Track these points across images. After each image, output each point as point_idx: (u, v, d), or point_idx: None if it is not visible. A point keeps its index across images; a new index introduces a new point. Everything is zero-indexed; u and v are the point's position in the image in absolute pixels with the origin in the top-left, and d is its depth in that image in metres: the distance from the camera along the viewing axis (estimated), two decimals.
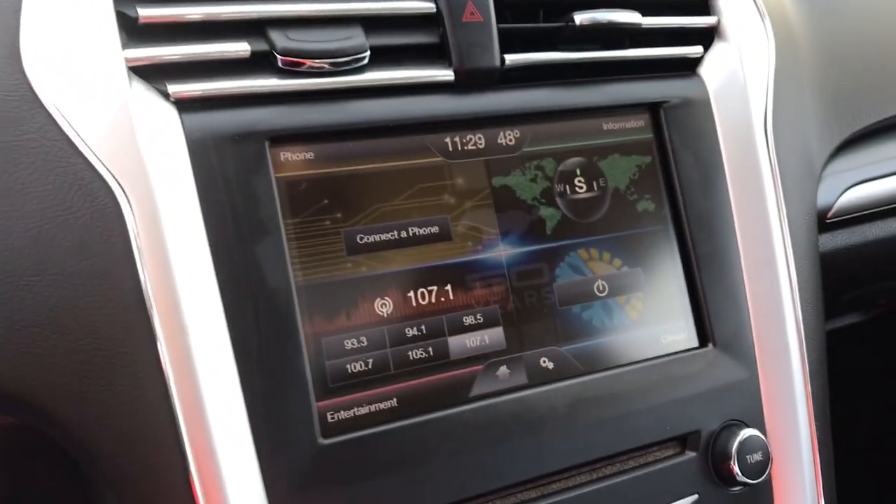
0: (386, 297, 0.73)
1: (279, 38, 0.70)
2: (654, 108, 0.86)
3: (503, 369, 0.76)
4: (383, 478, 0.69)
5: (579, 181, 0.83)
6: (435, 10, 0.76)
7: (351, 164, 0.73)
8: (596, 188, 0.83)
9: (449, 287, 0.76)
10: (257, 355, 0.66)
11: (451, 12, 0.76)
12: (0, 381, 0.62)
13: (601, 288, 0.82)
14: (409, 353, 0.73)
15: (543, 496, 0.75)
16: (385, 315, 0.73)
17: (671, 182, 0.86)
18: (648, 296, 0.83)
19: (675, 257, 0.85)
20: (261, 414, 0.66)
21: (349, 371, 0.70)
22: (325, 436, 0.68)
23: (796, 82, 0.97)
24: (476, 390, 0.75)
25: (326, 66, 0.71)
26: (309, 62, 0.70)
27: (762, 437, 0.81)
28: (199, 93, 0.67)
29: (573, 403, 0.76)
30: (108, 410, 0.63)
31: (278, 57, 0.70)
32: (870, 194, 1.03)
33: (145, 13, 0.65)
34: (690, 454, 0.81)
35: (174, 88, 0.66)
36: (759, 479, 0.81)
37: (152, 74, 0.66)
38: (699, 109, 0.88)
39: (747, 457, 0.80)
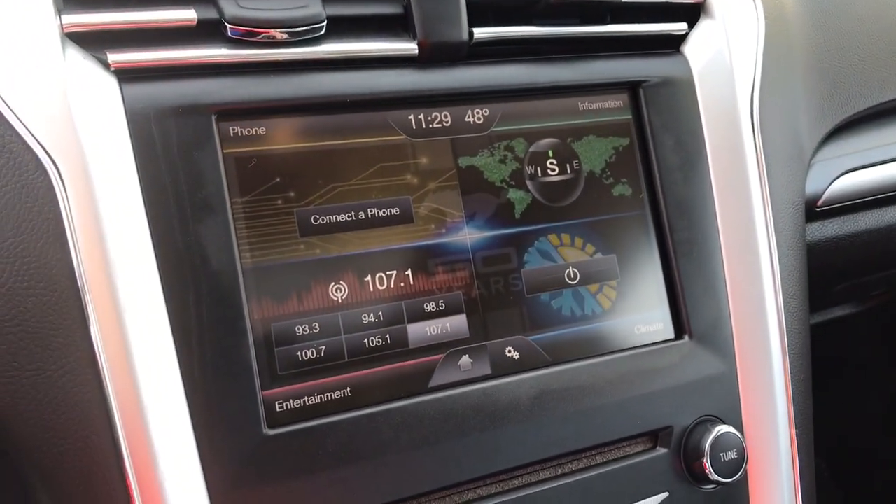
0: (341, 282, 0.69)
1: (228, 6, 0.66)
2: (633, 88, 0.82)
3: (465, 359, 0.73)
4: (332, 471, 0.65)
5: (552, 163, 0.79)
6: None
7: (306, 140, 0.69)
8: (569, 171, 0.79)
9: (409, 272, 0.72)
10: (198, 340, 0.63)
11: None
12: None
13: (572, 275, 0.78)
14: (365, 340, 0.69)
15: (503, 492, 0.72)
16: (340, 300, 0.69)
17: (650, 166, 0.82)
18: (622, 284, 0.80)
19: (651, 244, 0.81)
20: (201, 402, 0.62)
21: (300, 358, 0.67)
22: (270, 426, 0.64)
23: (787, 63, 0.93)
24: (435, 381, 0.71)
25: (279, 36, 0.67)
26: (261, 31, 0.66)
27: (738, 434, 0.78)
28: (141, 62, 0.63)
29: (538, 396, 0.73)
30: (36, 398, 0.60)
31: (228, 26, 0.66)
32: (863, 182, 0.99)
33: None
34: (662, 450, 0.78)
35: (114, 57, 0.63)
36: (734, 478, 0.77)
37: (90, 41, 0.63)
38: (681, 90, 0.83)
39: (721, 454, 0.77)
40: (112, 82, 0.63)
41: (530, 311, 0.76)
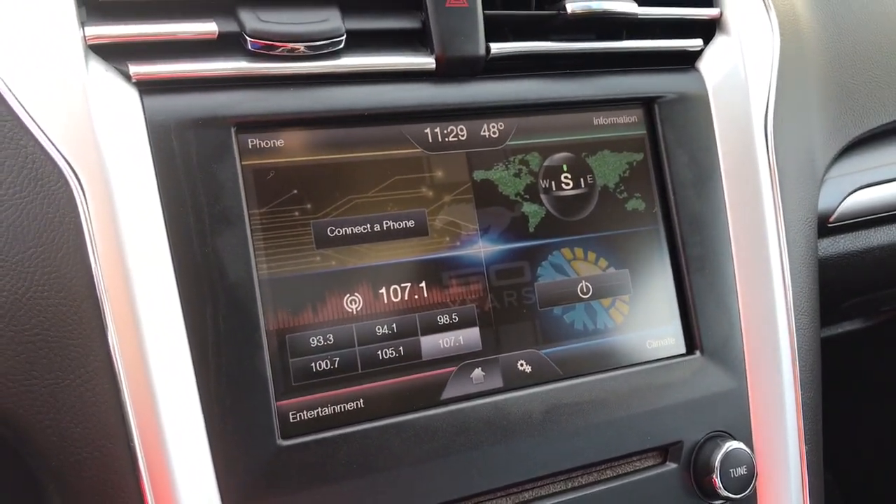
0: (356, 293, 0.70)
1: (249, 19, 0.66)
2: (648, 103, 0.82)
3: (478, 372, 0.73)
4: (345, 482, 0.66)
5: (566, 177, 0.79)
6: None
7: (323, 153, 0.70)
8: (583, 185, 0.80)
9: (423, 284, 0.72)
10: (214, 350, 0.63)
11: None
12: None
13: (585, 289, 0.78)
14: (379, 352, 0.70)
15: None
16: (354, 312, 0.70)
17: (663, 181, 0.82)
18: (635, 299, 0.80)
19: (664, 259, 0.82)
20: (216, 412, 0.63)
21: (314, 370, 0.68)
22: (284, 436, 0.65)
23: (801, 80, 0.93)
24: (448, 393, 0.72)
25: (299, 50, 0.68)
26: (281, 45, 0.67)
27: (747, 450, 0.78)
28: (162, 74, 0.64)
29: (550, 409, 0.73)
30: (54, 405, 0.60)
31: (248, 39, 0.66)
32: (875, 199, 0.99)
33: None
34: (671, 465, 0.78)
35: (136, 69, 0.63)
36: (743, 494, 0.77)
37: (113, 54, 0.63)
38: (696, 106, 0.84)
39: (731, 470, 0.77)
40: (133, 94, 0.63)
41: (543, 324, 0.76)
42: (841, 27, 1.01)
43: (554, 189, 0.78)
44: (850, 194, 0.96)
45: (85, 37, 0.62)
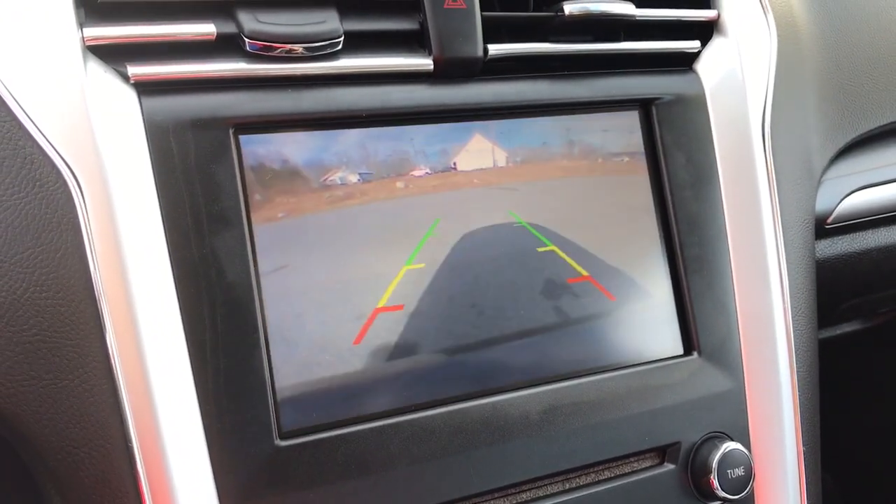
0: None
1: (247, 20, 0.67)
2: (645, 105, 0.82)
3: None
4: (342, 483, 0.66)
5: None
6: None
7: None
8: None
9: None
10: (213, 351, 0.63)
11: None
12: None
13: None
14: None
15: None
16: None
17: (661, 182, 0.82)
18: (632, 299, 0.80)
19: (662, 260, 0.82)
20: (214, 412, 0.63)
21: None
22: (282, 437, 0.65)
23: (798, 81, 0.93)
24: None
25: (297, 51, 0.68)
26: (279, 46, 0.67)
27: (745, 451, 0.78)
28: (161, 75, 0.64)
29: (547, 410, 0.73)
30: (52, 405, 0.61)
31: (246, 40, 0.66)
32: (873, 200, 0.99)
33: None
34: (669, 466, 0.78)
35: (134, 70, 0.63)
36: (741, 495, 0.77)
37: (111, 55, 0.63)
38: (693, 107, 0.84)
39: (728, 471, 0.77)
40: (131, 95, 0.63)
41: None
42: (838, 29, 1.01)
43: None
44: (847, 196, 0.96)
45: (83, 38, 0.62)
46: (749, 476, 0.78)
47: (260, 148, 0.67)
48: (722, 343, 0.82)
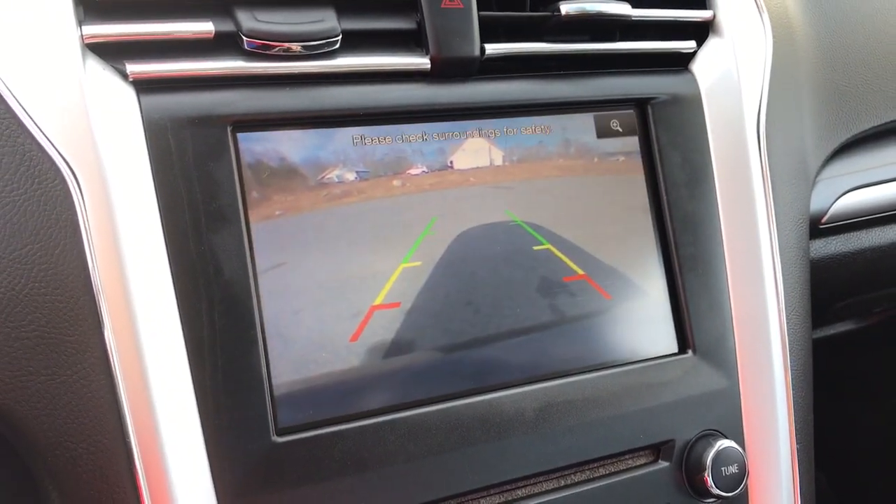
0: None
1: (246, 19, 0.67)
2: (641, 105, 0.83)
3: None
4: (339, 479, 0.66)
5: None
6: None
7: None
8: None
9: None
10: (210, 348, 0.64)
11: None
12: None
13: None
14: None
15: (508, 502, 0.73)
16: None
17: (656, 182, 0.83)
18: (628, 298, 0.81)
19: (657, 259, 0.82)
20: (212, 408, 0.63)
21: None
22: (279, 434, 0.65)
23: (793, 82, 0.94)
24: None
25: (295, 49, 0.68)
26: (277, 45, 0.68)
27: (739, 448, 0.78)
28: (159, 73, 0.64)
29: (543, 408, 0.74)
30: (50, 401, 0.61)
31: (244, 38, 0.67)
32: (867, 200, 1.00)
33: None
34: (663, 464, 0.78)
35: (133, 68, 0.64)
36: (734, 493, 0.78)
37: (110, 52, 0.64)
38: (689, 107, 0.84)
39: (722, 469, 0.77)
40: (130, 92, 0.64)
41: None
42: (833, 30, 1.02)
43: None
44: (841, 196, 0.97)
45: (82, 36, 0.62)
46: (743, 473, 0.78)
47: (258, 146, 0.68)
48: (716, 341, 0.82)
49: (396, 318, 0.71)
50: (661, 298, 0.82)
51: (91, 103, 0.62)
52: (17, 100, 0.61)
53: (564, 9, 0.78)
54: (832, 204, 0.97)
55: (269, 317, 0.66)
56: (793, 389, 0.83)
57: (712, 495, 0.78)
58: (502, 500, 0.73)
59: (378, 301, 0.70)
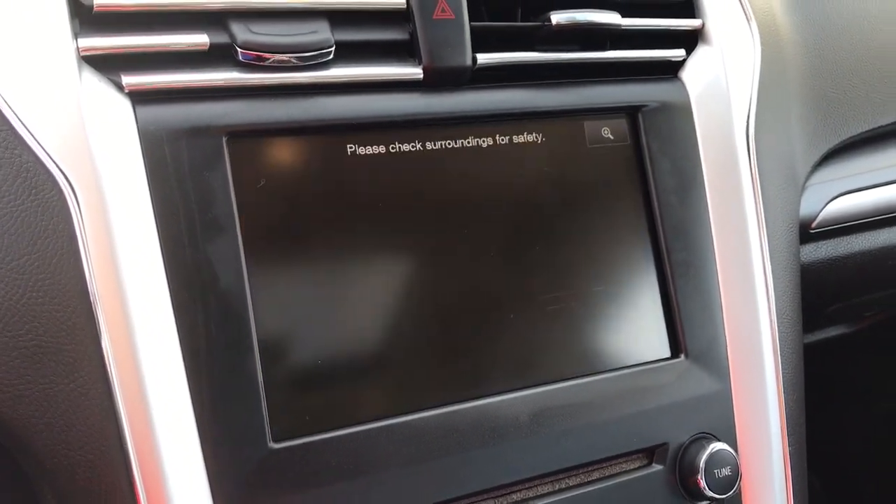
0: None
1: (240, 31, 0.68)
2: (631, 112, 0.84)
3: None
4: (336, 484, 0.67)
5: None
6: (405, 5, 0.74)
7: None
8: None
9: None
10: (206, 355, 0.64)
11: (421, 8, 0.74)
12: None
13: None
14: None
15: None
16: None
17: (647, 188, 0.84)
18: (620, 303, 0.81)
19: (649, 265, 0.83)
20: (208, 416, 0.64)
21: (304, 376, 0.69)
22: (275, 440, 0.66)
23: (782, 89, 0.95)
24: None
25: (289, 60, 0.69)
26: (271, 56, 0.68)
27: (732, 451, 0.79)
28: (155, 85, 0.65)
29: (537, 413, 0.75)
30: (48, 409, 0.61)
31: (239, 50, 0.68)
32: (856, 205, 1.01)
33: (100, 0, 0.64)
34: (657, 467, 0.79)
35: (128, 80, 0.64)
36: (728, 495, 0.79)
37: (106, 64, 0.65)
38: (679, 114, 0.85)
39: (716, 471, 0.78)
40: (126, 104, 0.64)
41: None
42: (820, 37, 1.03)
43: None
44: (831, 201, 0.98)
45: (78, 48, 0.63)
46: (736, 476, 0.79)
47: (252, 156, 0.68)
48: (708, 346, 0.83)
49: (391, 326, 0.71)
50: (654, 304, 0.83)
51: (87, 115, 0.62)
52: (13, 111, 0.61)
53: (555, 19, 0.79)
54: (822, 209, 0.98)
55: (264, 325, 0.67)
56: (784, 392, 0.84)
57: (706, 497, 0.79)
58: None
59: (372, 310, 0.71)
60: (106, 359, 0.62)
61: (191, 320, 0.64)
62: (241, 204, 0.67)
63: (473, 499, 0.72)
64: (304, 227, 0.70)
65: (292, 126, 0.70)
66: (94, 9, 0.64)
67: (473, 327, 0.74)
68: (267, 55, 0.68)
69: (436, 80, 0.75)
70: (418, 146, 0.74)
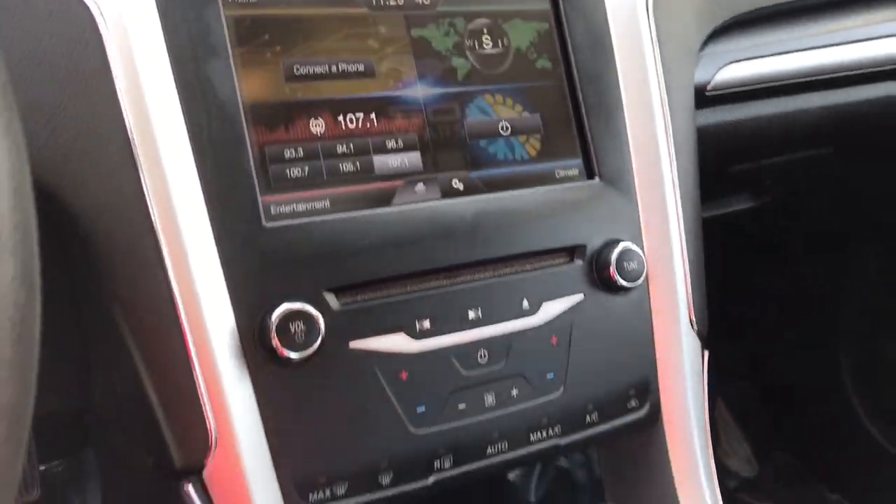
0: (319, 119, 0.88)
1: None
2: None
3: (420, 186, 0.92)
4: (318, 257, 0.84)
5: (486, 38, 0.98)
6: None
7: (288, 8, 0.88)
8: (501, 46, 0.99)
9: (373, 115, 0.91)
10: (212, 153, 0.81)
11: None
12: None
13: (504, 127, 0.97)
14: (340, 165, 0.88)
15: (453, 283, 0.90)
16: (318, 133, 0.88)
17: (565, 45, 1.02)
18: (545, 137, 0.99)
19: (567, 107, 1.01)
20: (215, 201, 0.80)
21: (288, 175, 0.85)
22: (268, 221, 0.83)
23: None
24: (397, 200, 0.90)
25: None
26: None
27: (638, 250, 0.97)
28: None
29: (478, 213, 0.92)
30: (87, 181, 0.78)
31: None
32: (746, 73, 1.20)
33: None
34: (578, 262, 0.97)
35: None
36: (636, 283, 0.97)
37: None
38: None
39: (625, 264, 0.96)
40: None
41: (472, 152, 0.95)
42: None
43: (477, 47, 0.97)
44: (724, 67, 1.17)
45: None
46: (642, 268, 0.97)
47: (239, 0, 0.85)
48: (618, 171, 1.01)
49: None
50: (572, 137, 1.01)
51: None
52: None
53: None
54: (715, 73, 1.16)
55: (255, 126, 0.84)
56: (682, 207, 1.03)
57: (619, 286, 0.96)
58: (448, 282, 0.90)
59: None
60: (134, 153, 0.78)
61: (198, 124, 0.80)
62: (233, 38, 0.84)
63: (428, 276, 0.89)
64: (283, 59, 0.86)
65: None
66: None
67: (426, 147, 0.92)
68: None
69: None
70: None
